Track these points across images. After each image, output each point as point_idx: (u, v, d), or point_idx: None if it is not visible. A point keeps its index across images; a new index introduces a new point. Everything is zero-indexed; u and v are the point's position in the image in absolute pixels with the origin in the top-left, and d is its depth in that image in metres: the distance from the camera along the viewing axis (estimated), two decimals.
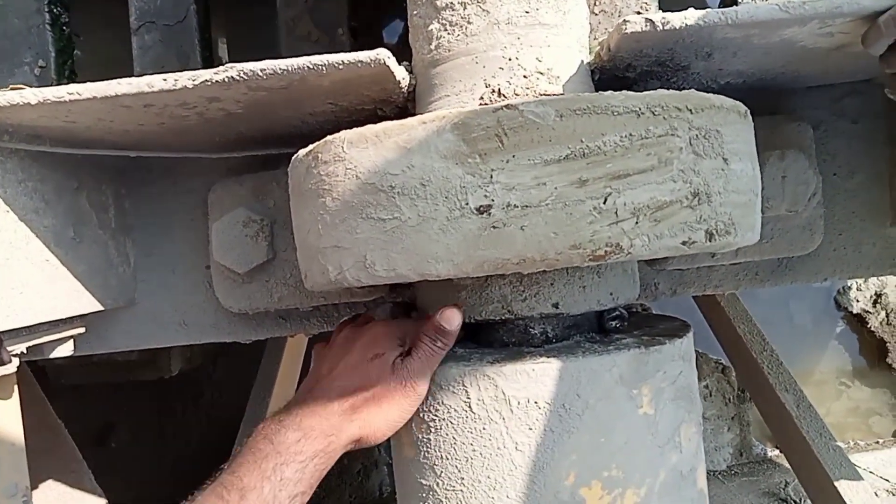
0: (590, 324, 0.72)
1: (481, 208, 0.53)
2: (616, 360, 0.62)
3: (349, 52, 0.64)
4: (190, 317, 0.97)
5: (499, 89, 0.66)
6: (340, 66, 0.63)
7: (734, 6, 0.61)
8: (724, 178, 0.57)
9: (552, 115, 0.52)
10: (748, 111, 0.63)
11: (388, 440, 0.67)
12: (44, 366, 1.74)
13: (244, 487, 0.57)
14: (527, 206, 0.53)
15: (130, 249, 0.95)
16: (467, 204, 0.53)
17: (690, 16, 0.60)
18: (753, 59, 0.72)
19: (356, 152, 0.58)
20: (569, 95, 0.58)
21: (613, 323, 0.72)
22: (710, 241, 0.56)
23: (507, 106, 0.53)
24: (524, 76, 0.66)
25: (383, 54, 0.63)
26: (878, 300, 2.69)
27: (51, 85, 0.66)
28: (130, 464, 2.27)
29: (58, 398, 1.31)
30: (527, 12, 0.65)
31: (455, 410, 0.63)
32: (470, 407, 0.62)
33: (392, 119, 0.59)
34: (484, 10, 0.66)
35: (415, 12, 0.71)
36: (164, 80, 0.64)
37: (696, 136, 0.55)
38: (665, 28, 0.60)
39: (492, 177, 0.53)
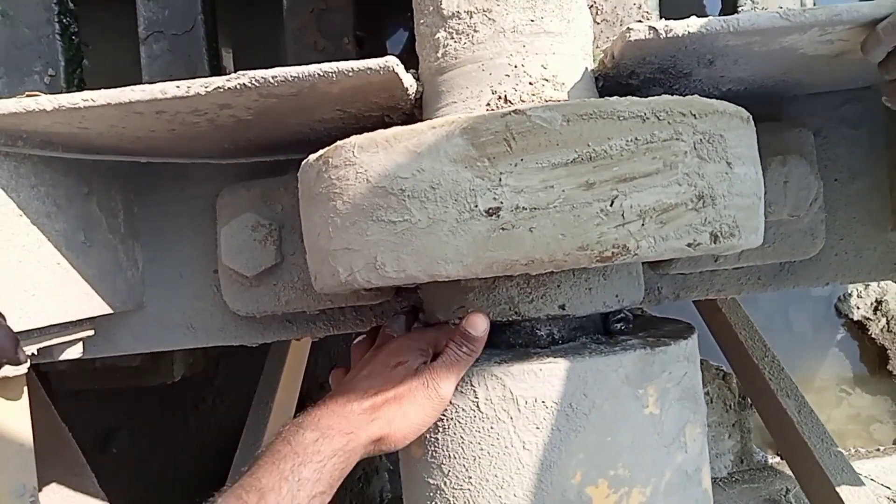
0: (595, 326, 0.73)
1: (490, 210, 0.54)
2: (622, 361, 0.63)
3: (356, 60, 0.65)
4: (197, 320, 0.98)
5: (505, 96, 0.67)
6: (350, 74, 0.64)
7: (735, 14, 0.62)
8: (727, 181, 0.58)
9: (559, 120, 0.54)
10: (750, 116, 0.64)
11: None
12: (46, 371, 1.75)
13: (262, 488, 0.57)
14: (535, 209, 0.54)
15: (139, 253, 0.96)
16: (476, 206, 0.55)
17: (693, 24, 0.61)
18: (755, 67, 0.73)
19: (367, 156, 0.59)
20: (575, 101, 0.59)
21: (619, 325, 0.73)
22: (714, 243, 0.57)
23: (515, 111, 0.54)
24: (530, 83, 0.67)
25: (392, 62, 0.64)
26: (879, 307, 2.70)
27: (60, 93, 0.67)
28: (133, 469, 2.27)
29: (60, 404, 1.32)
30: (532, 21, 0.67)
31: (463, 410, 0.64)
32: (478, 406, 0.63)
33: (399, 126, 0.60)
34: (490, 18, 0.67)
35: (421, 21, 0.72)
36: (178, 86, 0.65)
37: (701, 140, 0.56)
38: (668, 36, 0.62)
39: (500, 180, 0.54)
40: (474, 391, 0.64)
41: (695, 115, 0.56)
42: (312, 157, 0.66)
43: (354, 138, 0.60)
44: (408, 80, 0.70)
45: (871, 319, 2.69)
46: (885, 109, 0.92)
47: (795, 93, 0.90)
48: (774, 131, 0.86)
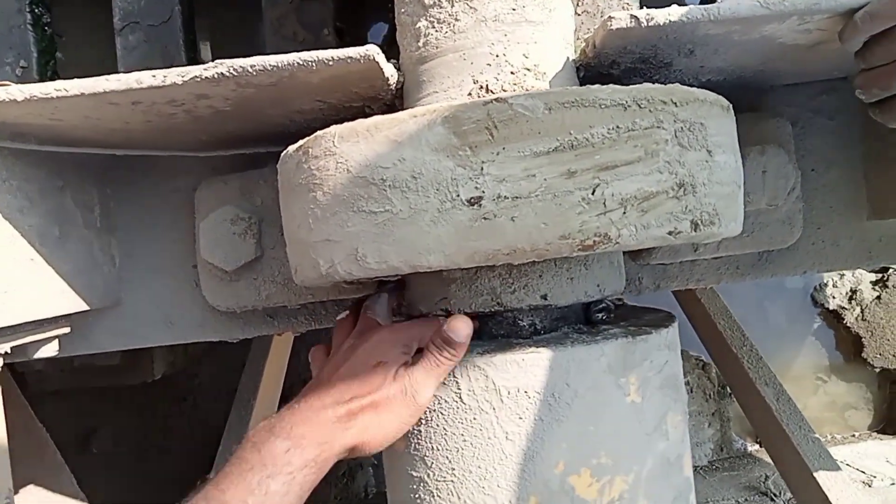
0: (577, 316, 0.73)
1: (472, 200, 0.54)
2: (604, 350, 0.63)
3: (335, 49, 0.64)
4: (176, 316, 0.96)
5: (486, 85, 0.67)
6: (330, 63, 0.64)
7: (716, 3, 0.63)
8: (708, 169, 0.58)
9: (541, 108, 0.53)
10: (730, 105, 0.64)
11: None
12: (24, 371, 1.72)
13: (226, 502, 0.55)
14: (517, 198, 0.54)
15: (116, 249, 0.94)
16: (458, 196, 0.54)
17: (674, 12, 0.61)
18: (734, 56, 0.73)
19: (347, 146, 0.58)
20: (557, 89, 0.59)
21: (600, 315, 0.73)
22: (695, 230, 0.57)
23: (496, 99, 0.54)
24: (511, 72, 0.67)
25: (372, 50, 0.64)
26: (854, 296, 2.75)
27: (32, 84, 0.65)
28: (113, 469, 2.24)
29: (39, 404, 1.30)
30: (513, 9, 0.67)
31: (446, 401, 0.64)
32: (461, 398, 0.63)
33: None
34: (471, 7, 0.67)
35: (402, 10, 0.72)
36: (154, 76, 0.64)
37: (682, 128, 0.57)
38: (649, 24, 0.62)
39: (482, 169, 0.54)
40: (457, 382, 0.63)
41: (676, 104, 0.56)
42: (292, 147, 0.65)
43: (334, 128, 0.60)
44: (388, 70, 0.69)
45: (846, 308, 2.74)
46: (860, 100, 0.94)
47: (774, 83, 0.91)
48: (753, 121, 0.86)
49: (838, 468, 1.56)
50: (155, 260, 0.96)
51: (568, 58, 0.70)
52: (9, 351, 0.79)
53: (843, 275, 2.75)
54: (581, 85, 0.72)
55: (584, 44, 0.70)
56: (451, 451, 0.64)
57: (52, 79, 1.13)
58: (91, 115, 0.71)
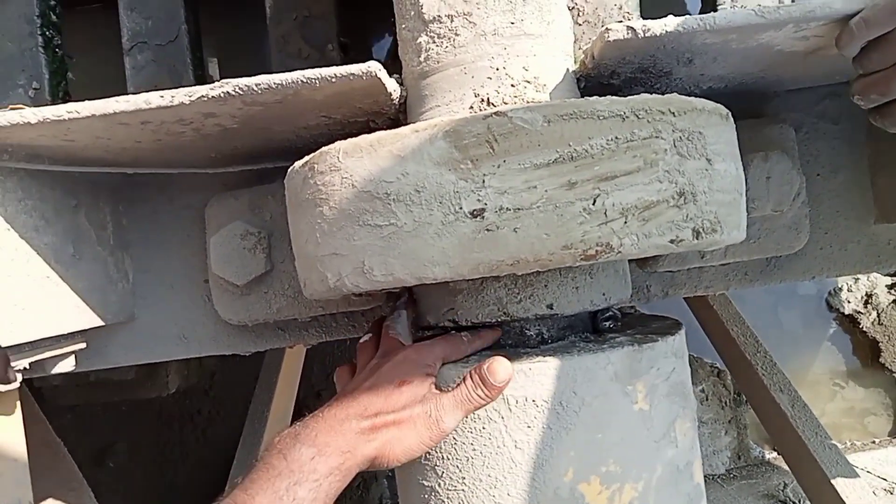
0: (584, 324, 0.74)
1: (475, 212, 0.55)
2: (611, 358, 0.63)
3: (339, 66, 0.65)
4: (189, 330, 0.98)
5: (488, 98, 0.68)
6: (333, 80, 0.65)
7: (713, 12, 0.63)
8: (708, 177, 0.59)
9: (540, 121, 0.54)
10: (729, 113, 0.65)
11: None
12: (41, 387, 1.74)
13: None
14: (519, 209, 0.54)
15: (129, 265, 0.96)
16: (461, 208, 0.55)
17: (670, 22, 0.62)
18: (733, 64, 0.74)
19: (351, 162, 0.59)
20: (555, 101, 0.60)
21: (607, 323, 0.73)
22: (697, 239, 0.58)
23: (496, 113, 0.55)
24: (512, 85, 0.68)
25: (374, 67, 0.65)
26: (870, 300, 2.72)
27: (45, 106, 0.67)
28: (129, 483, 2.26)
29: (56, 419, 1.31)
30: (512, 23, 0.68)
31: None
32: None
33: (383, 130, 0.60)
34: (471, 22, 0.68)
35: (403, 26, 0.73)
36: (161, 96, 0.66)
37: (680, 137, 0.57)
38: (646, 35, 0.62)
39: (484, 181, 0.55)
40: None
41: (674, 113, 0.57)
42: (298, 163, 0.67)
43: (339, 144, 0.61)
44: (391, 85, 0.70)
45: (861, 313, 2.71)
46: None
47: (775, 89, 0.91)
48: (756, 128, 0.87)
49: (856, 475, 1.55)
50: (168, 276, 0.97)
51: (568, 69, 0.71)
52: (27, 367, 0.80)
53: (858, 279, 2.72)
54: (582, 96, 0.73)
55: (583, 54, 0.71)
56: (461, 460, 0.65)
57: (64, 99, 1.16)
58: (102, 135, 0.72)
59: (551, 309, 0.68)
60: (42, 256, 0.79)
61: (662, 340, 0.67)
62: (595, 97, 0.56)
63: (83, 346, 0.90)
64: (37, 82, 1.13)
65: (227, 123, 0.73)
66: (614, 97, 0.56)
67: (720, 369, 2.63)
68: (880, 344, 2.68)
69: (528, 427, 0.62)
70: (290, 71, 0.65)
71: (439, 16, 0.68)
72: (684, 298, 2.03)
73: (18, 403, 0.87)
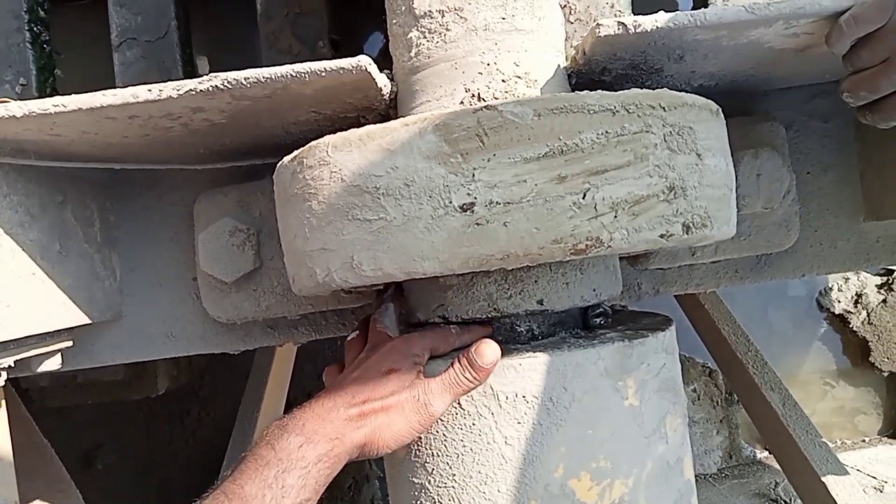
0: (574, 321, 0.73)
1: (465, 206, 0.55)
2: (601, 353, 0.63)
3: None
4: (177, 329, 0.97)
5: (478, 93, 0.68)
6: (323, 74, 0.64)
7: (703, 9, 0.63)
8: (698, 172, 0.59)
9: (530, 115, 0.54)
10: (720, 109, 0.65)
11: None
12: (27, 388, 1.72)
13: (245, 496, 0.56)
14: (509, 203, 0.54)
15: (116, 263, 0.95)
16: (451, 202, 0.55)
17: (661, 18, 0.62)
18: (724, 61, 0.74)
19: (341, 156, 0.59)
20: (546, 95, 0.60)
21: (598, 320, 0.73)
22: (687, 233, 0.58)
23: (486, 107, 0.54)
24: (503, 80, 0.67)
25: (364, 61, 0.65)
26: (860, 300, 2.73)
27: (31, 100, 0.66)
28: (117, 484, 2.24)
29: (44, 421, 1.30)
30: (503, 18, 0.67)
31: None
32: (460, 403, 0.63)
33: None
34: (462, 17, 0.67)
35: (394, 21, 0.73)
36: (149, 90, 0.65)
37: (670, 132, 0.57)
38: (637, 31, 0.62)
39: (474, 175, 0.54)
40: None
41: (664, 108, 0.57)
42: (287, 158, 0.66)
43: (328, 138, 0.60)
44: (381, 80, 0.70)
45: (852, 312, 2.72)
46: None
47: (766, 88, 0.91)
48: (746, 125, 0.87)
49: (846, 473, 1.55)
50: (156, 273, 0.96)
51: (559, 65, 0.71)
52: (12, 364, 0.79)
53: (848, 278, 2.73)
54: (573, 92, 0.73)
55: (574, 50, 0.71)
56: (452, 456, 0.64)
57: (51, 96, 1.15)
58: (89, 129, 0.72)
59: (542, 305, 0.67)
60: (28, 252, 0.78)
61: (653, 336, 0.67)
62: (585, 91, 0.56)
63: (69, 344, 0.89)
64: (24, 78, 1.12)
65: (216, 118, 0.73)
66: (605, 92, 0.56)
67: (712, 369, 2.64)
68: (870, 343, 2.70)
69: (519, 423, 0.62)
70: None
71: (430, 11, 0.68)
72: (675, 298, 2.04)
73: (3, 402, 0.86)
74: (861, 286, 2.74)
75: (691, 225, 0.58)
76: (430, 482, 0.65)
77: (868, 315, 2.71)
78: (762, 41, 0.68)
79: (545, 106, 0.54)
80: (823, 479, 1.53)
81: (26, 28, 1.09)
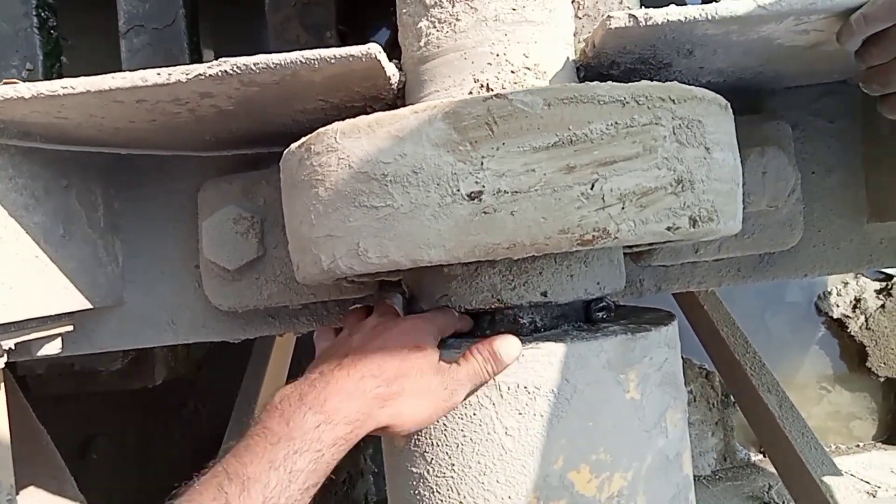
0: (577, 314, 0.73)
1: (472, 194, 0.55)
2: (603, 346, 0.63)
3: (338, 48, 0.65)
4: (179, 316, 0.97)
5: (487, 84, 0.67)
6: (332, 61, 0.64)
7: (715, 3, 0.63)
8: (706, 166, 0.59)
9: (540, 104, 0.54)
10: (728, 104, 0.65)
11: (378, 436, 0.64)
12: (25, 375, 1.72)
13: (248, 478, 0.50)
14: (517, 192, 0.54)
15: (119, 249, 0.95)
16: (458, 190, 0.55)
17: (672, 12, 0.62)
18: (733, 58, 0.74)
19: (349, 142, 0.59)
20: (556, 85, 0.60)
21: (601, 313, 0.73)
22: (693, 227, 0.58)
23: (496, 95, 0.54)
24: (512, 71, 0.67)
25: (374, 49, 0.65)
26: (858, 305, 2.74)
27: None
28: (113, 475, 2.24)
29: (40, 409, 1.30)
30: (514, 9, 0.67)
31: None
32: None
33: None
34: (472, 7, 0.67)
35: (404, 10, 0.73)
36: (158, 74, 0.65)
37: (679, 125, 0.57)
38: (647, 24, 0.62)
39: (482, 164, 0.54)
40: None
41: (674, 101, 0.57)
42: (294, 145, 0.66)
43: (337, 124, 0.60)
44: (390, 69, 0.70)
45: (850, 317, 2.73)
46: (860, 104, 0.94)
47: (773, 86, 0.91)
48: (753, 123, 0.87)
49: (842, 475, 1.56)
50: (158, 260, 0.96)
51: (568, 58, 0.71)
52: (13, 347, 0.79)
53: (847, 283, 2.74)
54: None
55: (584, 43, 0.71)
56: (451, 446, 0.64)
57: None
58: (96, 113, 0.72)
59: (545, 296, 0.67)
60: (31, 236, 0.78)
61: (656, 330, 0.67)
62: (596, 82, 0.56)
63: (70, 328, 0.89)
64: (30, 63, 1.12)
65: (224, 105, 0.72)
66: (615, 83, 0.56)
67: (708, 371, 2.64)
68: (867, 348, 2.70)
69: (520, 414, 0.62)
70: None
71: (440, 1, 0.68)
72: (674, 298, 2.04)
73: (2, 386, 0.86)
74: (860, 291, 2.74)
75: (698, 218, 0.58)
76: (428, 472, 0.65)
77: (866, 320, 2.72)
78: (772, 37, 0.68)
79: (555, 95, 0.54)
80: (819, 481, 1.53)
81: (34, 13, 1.09)
